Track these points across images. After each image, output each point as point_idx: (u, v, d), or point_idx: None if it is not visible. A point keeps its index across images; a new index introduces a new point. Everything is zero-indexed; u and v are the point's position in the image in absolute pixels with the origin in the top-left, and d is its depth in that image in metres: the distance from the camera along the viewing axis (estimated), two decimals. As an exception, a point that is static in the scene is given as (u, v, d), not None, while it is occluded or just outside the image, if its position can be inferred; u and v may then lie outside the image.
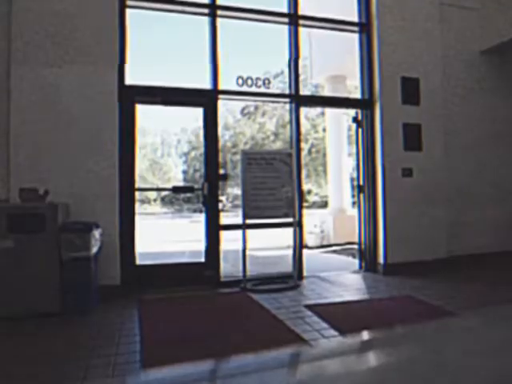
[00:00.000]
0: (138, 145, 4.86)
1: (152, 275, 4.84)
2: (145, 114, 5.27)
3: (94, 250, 3.97)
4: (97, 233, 4.09)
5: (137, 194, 4.83)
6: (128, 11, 4.82)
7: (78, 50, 4.47)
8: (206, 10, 5.20)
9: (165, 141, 26.23)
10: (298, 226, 5.29)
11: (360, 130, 5.81)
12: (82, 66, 4.48)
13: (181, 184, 25.30)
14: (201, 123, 5.19)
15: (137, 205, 4.94)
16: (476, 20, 6.17)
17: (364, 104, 5.78)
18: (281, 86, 7.04)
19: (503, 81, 6.32)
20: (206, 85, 5.16)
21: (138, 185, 4.92)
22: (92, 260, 3.90)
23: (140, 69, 5.15)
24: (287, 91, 5.59)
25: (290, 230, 5.30)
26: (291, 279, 5.12)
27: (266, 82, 5.37)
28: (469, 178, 6.02)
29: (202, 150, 5.26)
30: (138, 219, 4.81)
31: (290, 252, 5.41)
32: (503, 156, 6.24)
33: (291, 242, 5.34)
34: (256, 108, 22.16)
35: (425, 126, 5.75)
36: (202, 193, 5.07)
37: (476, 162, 6.07)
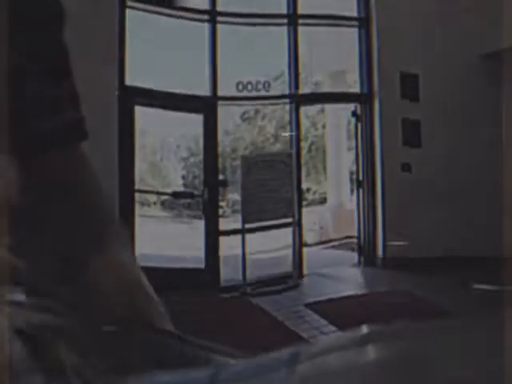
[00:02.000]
0: (137, 148, 4.85)
1: (151, 279, 4.78)
2: (144, 118, 5.26)
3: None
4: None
5: (136, 196, 4.82)
6: (128, 14, 4.79)
7: (76, 51, 4.43)
8: (205, 17, 5.20)
9: (164, 145, 26.21)
10: (298, 225, 5.28)
11: (359, 124, 5.77)
12: (81, 66, 4.43)
13: (181, 189, 25.26)
14: (200, 130, 5.16)
15: (136, 207, 4.93)
16: (477, 16, 6.08)
17: (363, 98, 5.74)
18: (281, 88, 7.01)
19: (504, 80, 6.26)
20: (206, 91, 5.13)
21: (137, 186, 4.91)
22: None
23: (139, 71, 5.14)
24: (287, 91, 5.57)
25: (289, 230, 5.29)
26: (291, 279, 5.10)
27: (266, 84, 5.38)
28: (469, 175, 5.91)
29: (201, 156, 5.26)
30: (137, 222, 4.78)
31: (290, 251, 5.39)
32: (505, 154, 6.12)
33: (291, 242, 5.32)
34: (256, 112, 22.14)
35: (424, 122, 5.71)
36: (201, 199, 5.04)
37: (477, 158, 5.95)
